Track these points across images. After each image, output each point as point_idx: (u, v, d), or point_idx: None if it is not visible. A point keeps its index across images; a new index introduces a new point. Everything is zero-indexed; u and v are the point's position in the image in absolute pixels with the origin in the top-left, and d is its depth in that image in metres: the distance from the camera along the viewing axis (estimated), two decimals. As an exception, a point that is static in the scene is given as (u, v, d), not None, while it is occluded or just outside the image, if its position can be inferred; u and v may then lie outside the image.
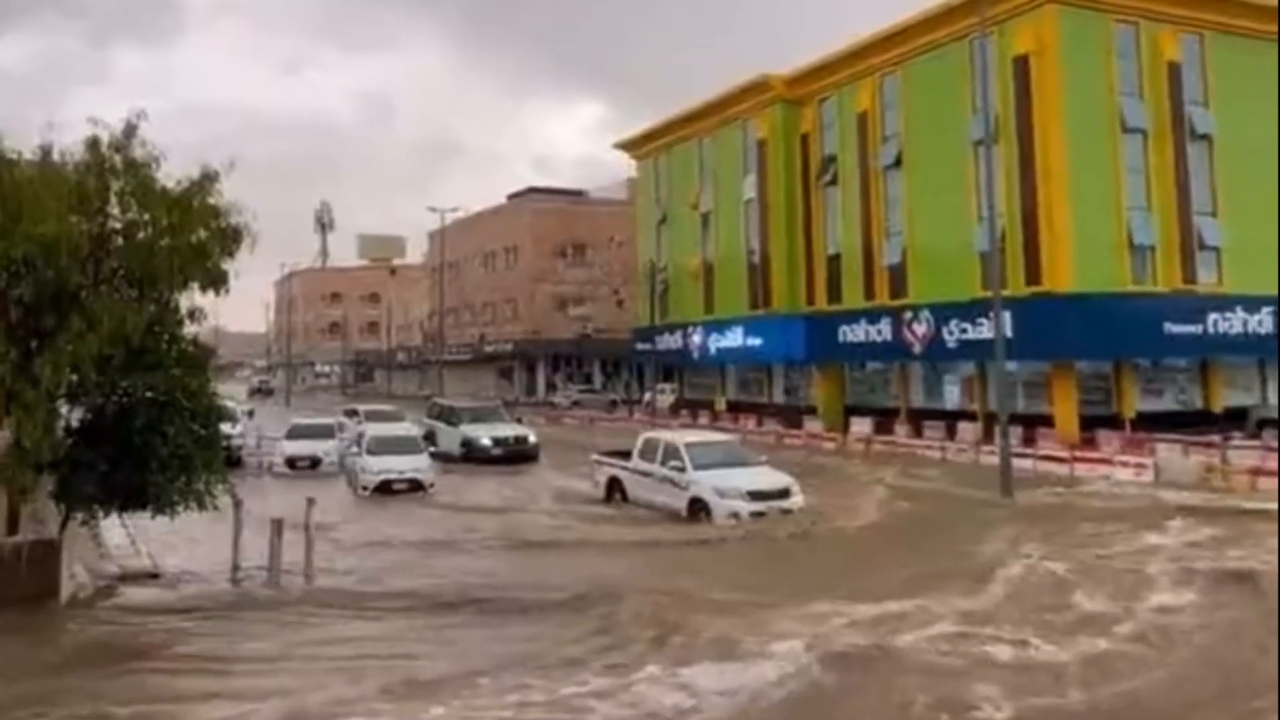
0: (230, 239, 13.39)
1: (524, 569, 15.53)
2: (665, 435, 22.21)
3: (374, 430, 27.89)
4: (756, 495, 18.86)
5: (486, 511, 21.56)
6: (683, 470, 19.68)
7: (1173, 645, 10.77)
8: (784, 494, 19.28)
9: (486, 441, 30.67)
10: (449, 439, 31.70)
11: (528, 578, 14.59)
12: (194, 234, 13.38)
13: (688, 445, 20.46)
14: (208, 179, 13.46)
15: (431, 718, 8.73)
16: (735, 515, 18.55)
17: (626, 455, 22.01)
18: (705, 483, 19.19)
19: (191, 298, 13.66)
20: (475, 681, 9.65)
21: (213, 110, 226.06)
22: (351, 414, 37.18)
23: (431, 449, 30.70)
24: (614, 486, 22.02)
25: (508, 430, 31.96)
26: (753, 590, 13.24)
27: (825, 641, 10.68)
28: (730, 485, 19.00)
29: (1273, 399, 32.90)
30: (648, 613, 11.91)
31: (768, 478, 19.88)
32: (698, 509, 19.16)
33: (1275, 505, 19.89)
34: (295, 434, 30.05)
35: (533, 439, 31.54)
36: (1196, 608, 12.23)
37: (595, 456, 23.44)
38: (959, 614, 11.87)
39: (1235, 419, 30.56)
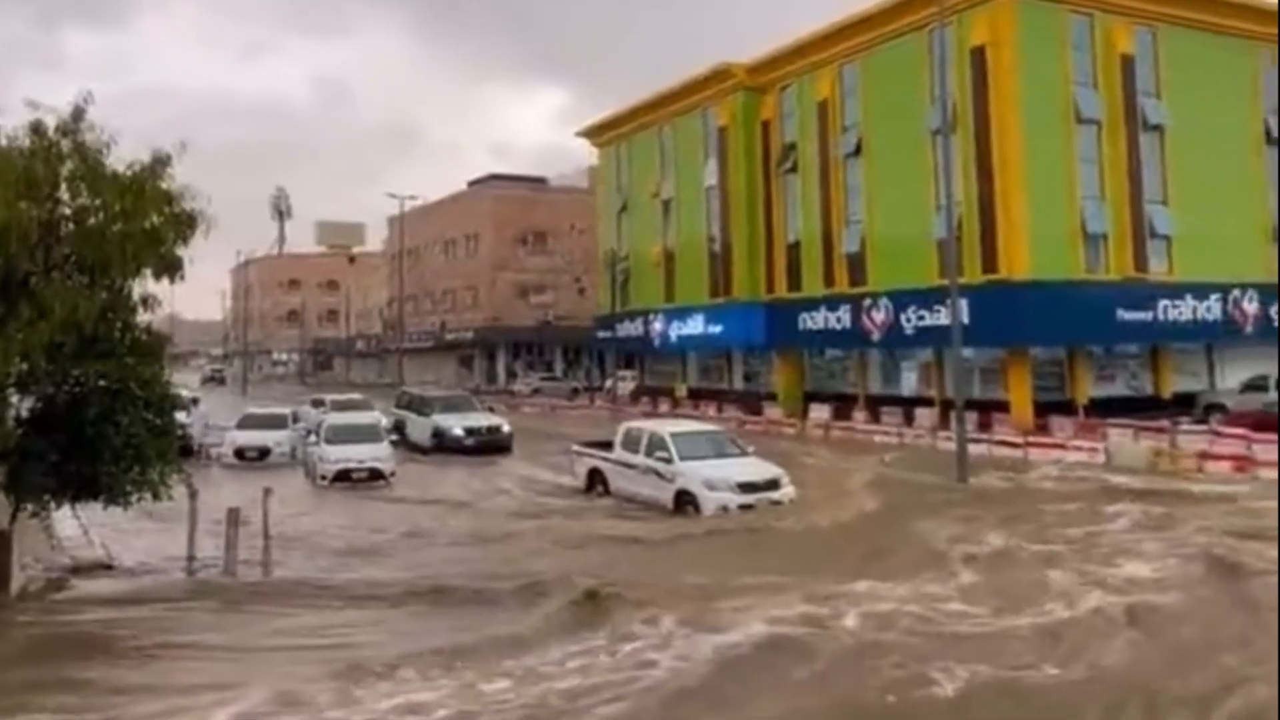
0: (184, 224, 13.15)
1: (489, 560, 15.44)
2: (649, 425, 21.44)
3: (332, 419, 27.65)
4: (746, 487, 18.33)
5: (456, 504, 21.05)
6: (669, 461, 19.06)
7: (1127, 621, 11.02)
8: (773, 485, 18.77)
9: (459, 432, 29.98)
10: (419, 429, 31.14)
11: (492, 568, 14.49)
12: (147, 220, 13.12)
13: (674, 435, 19.79)
14: (160, 163, 13.21)
15: (382, 705, 8.73)
16: (724, 508, 18.02)
17: (607, 446, 21.44)
18: (692, 474, 18.61)
19: (145, 285, 13.40)
20: (425, 666, 9.66)
21: (166, 94, 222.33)
22: (318, 403, 36.45)
23: (392, 438, 30.50)
24: (595, 478, 21.46)
25: (481, 420, 31.34)
26: (722, 574, 13.30)
27: (783, 618, 10.86)
28: (719, 477, 18.42)
29: (1220, 384, 33.60)
30: (608, 596, 11.97)
31: (756, 469, 19.30)
32: (685, 501, 18.62)
33: (1222, 488, 20.47)
34: (246, 424, 29.54)
35: (506, 429, 30.84)
36: (1150, 584, 12.52)
37: (575, 447, 22.84)
38: (912, 593, 12.08)
39: (1184, 404, 31.22)
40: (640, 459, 19.85)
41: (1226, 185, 34.21)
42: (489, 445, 29.68)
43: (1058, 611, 11.27)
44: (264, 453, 27.86)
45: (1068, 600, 11.69)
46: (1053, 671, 9.40)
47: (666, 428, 20.79)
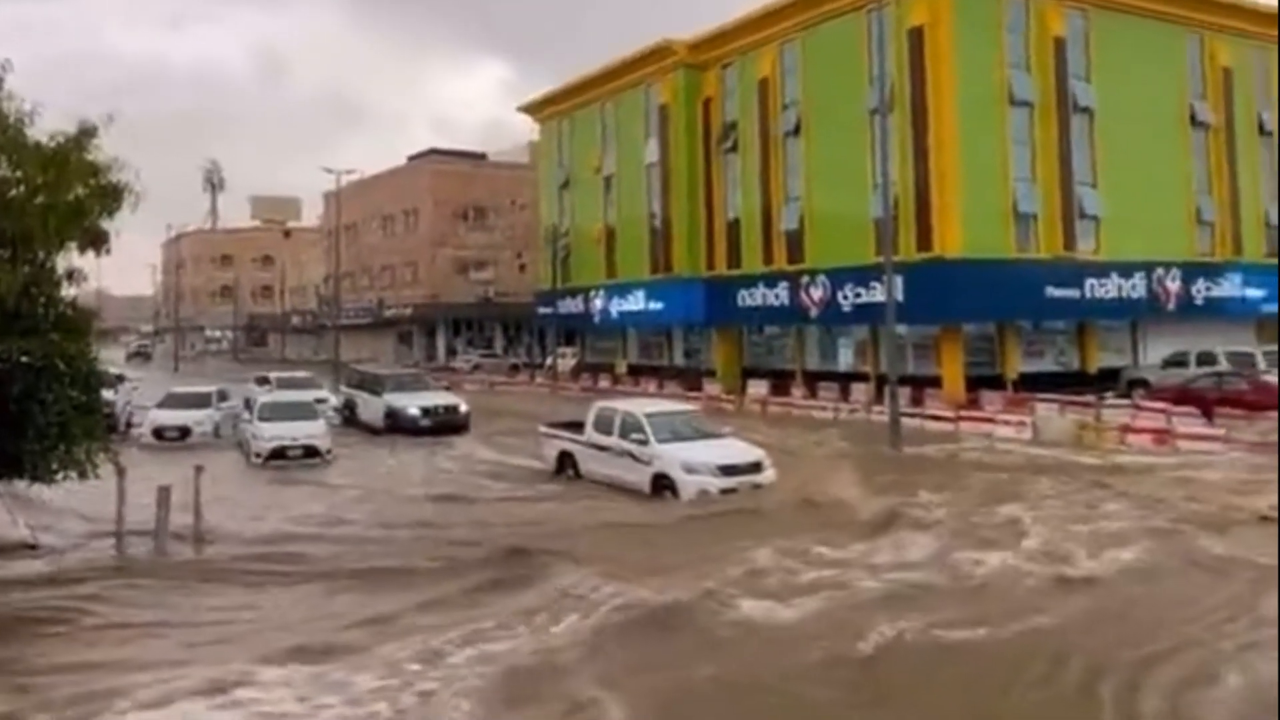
0: (110, 197, 12.87)
1: (433, 539, 15.29)
2: (622, 406, 20.27)
3: (266, 396, 27.21)
4: (728, 470, 17.47)
5: (415, 490, 20.00)
6: (645, 443, 18.15)
7: (1054, 582, 11.51)
8: (756, 468, 17.86)
9: (414, 411, 28.64)
10: (371, 409, 29.98)
11: (434, 549, 14.33)
12: (71, 192, 12.82)
13: (649, 416, 18.83)
14: (86, 134, 12.90)
15: (307, 682, 8.78)
16: (704, 492, 17.18)
17: (577, 427, 20.43)
18: (670, 457, 17.74)
19: (70, 259, 13.14)
20: (356, 643, 9.75)
21: (94, 62, 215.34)
22: (263, 381, 35.32)
23: (332, 416, 29.96)
24: (565, 461, 20.51)
25: (437, 399, 30.08)
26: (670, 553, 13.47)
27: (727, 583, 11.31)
28: (699, 460, 17.55)
29: (1143, 360, 34.66)
30: (543, 566, 12.10)
31: (738, 451, 18.42)
32: (662, 485, 17.72)
33: (1140, 459, 21.19)
34: (167, 403, 28.47)
35: (463, 408, 29.60)
36: (1073, 548, 13.02)
37: (543, 429, 21.68)
38: (853, 556, 12.41)
39: (1109, 379, 32.16)
40: (614, 441, 18.97)
41: (1152, 167, 35.19)
42: (445, 425, 28.43)
43: (989, 575, 11.66)
44: (184, 432, 26.79)
45: (996, 564, 12.08)
46: (979, 631, 9.74)
47: (641, 408, 19.75)
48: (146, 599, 11.73)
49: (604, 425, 19.48)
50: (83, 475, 12.87)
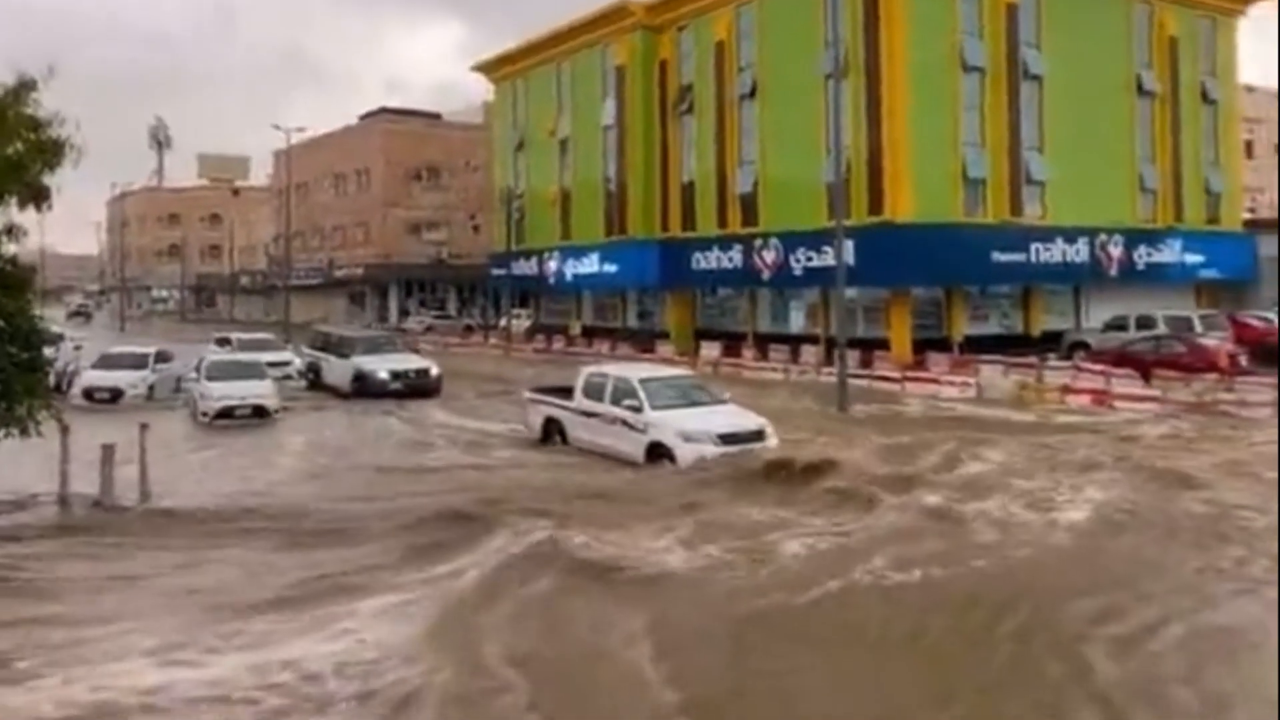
0: (51, 152, 12.68)
1: (391, 493, 15.38)
2: (613, 370, 19.42)
3: (213, 355, 26.95)
4: (729, 438, 16.48)
5: (378, 450, 19.72)
6: (639, 410, 17.18)
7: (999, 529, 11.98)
8: (758, 436, 16.88)
9: (384, 375, 27.61)
10: (338, 372, 28.86)
11: (393, 503, 14.39)
12: (10, 146, 12.65)
13: (643, 381, 17.89)
14: (25, 87, 12.68)
15: (252, 635, 8.91)
16: (703, 460, 16.24)
17: (564, 392, 19.39)
18: (666, 425, 16.78)
19: (9, 214, 12.97)
20: (297, 599, 9.89)
21: (34, 15, 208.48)
22: (223, 342, 34.11)
23: (293, 379, 29.67)
24: (551, 428, 19.40)
25: (407, 362, 29.07)
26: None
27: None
28: (697, 428, 16.57)
29: (1085, 324, 35.41)
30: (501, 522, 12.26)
31: (738, 418, 17.46)
32: (659, 454, 16.78)
33: (1081, 418, 21.83)
34: (101, 363, 27.53)
35: (435, 371, 28.70)
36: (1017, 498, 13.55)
37: (528, 394, 20.50)
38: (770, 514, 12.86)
39: (1052, 342, 32.86)
40: (605, 407, 17.95)
41: (1098, 134, 35.75)
42: (416, 389, 27.51)
43: (933, 527, 12.06)
44: (116, 394, 25.59)
45: (938, 512, 12.50)
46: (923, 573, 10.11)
47: (633, 373, 18.79)
48: (90, 554, 11.72)
49: (594, 391, 18.42)
50: (24, 433, 12.79)
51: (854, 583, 9.79)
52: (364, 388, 27.52)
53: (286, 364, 31.05)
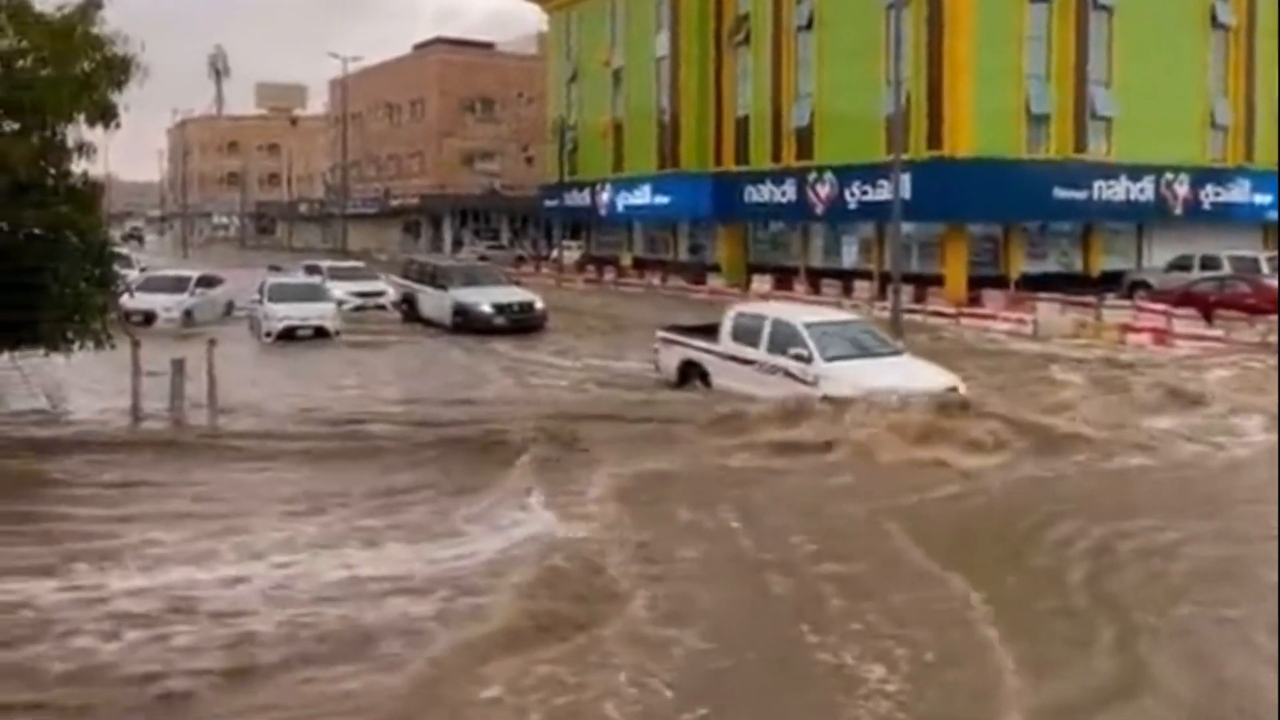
0: (118, 70, 12.96)
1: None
2: (769, 311, 17.03)
3: (275, 278, 27.48)
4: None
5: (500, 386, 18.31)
6: (807, 360, 14.81)
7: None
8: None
9: (487, 308, 25.66)
10: (436, 305, 26.95)
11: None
12: (78, 64, 12.93)
13: (809, 327, 15.46)
14: (92, 6, 12.95)
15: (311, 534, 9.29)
16: None
17: (700, 332, 17.31)
18: (843, 379, 14.23)
19: (79, 132, 13.29)
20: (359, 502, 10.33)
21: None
22: (313, 270, 32.45)
23: (379, 308, 28.90)
24: (690, 372, 16.95)
25: (510, 295, 27.10)
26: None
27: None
28: (882, 385, 13.87)
29: (1147, 264, 34.67)
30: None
31: (925, 373, 15.02)
32: None
33: (1140, 355, 21.60)
34: (143, 286, 26.92)
35: (539, 305, 26.74)
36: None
37: (661, 334, 18.11)
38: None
39: (1111, 282, 32.24)
40: (761, 354, 15.58)
41: (1168, 68, 34.48)
42: (521, 324, 25.74)
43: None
44: (149, 318, 24.81)
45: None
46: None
47: (797, 316, 16.43)
48: (165, 465, 12.15)
49: (746, 334, 16.09)
50: (98, 345, 13.25)
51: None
52: (466, 322, 25.71)
53: (379, 294, 30.08)
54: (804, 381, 14.75)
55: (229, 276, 31.44)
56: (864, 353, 15.46)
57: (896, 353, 15.98)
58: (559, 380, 19.17)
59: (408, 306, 28.45)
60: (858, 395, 13.70)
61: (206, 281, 28.66)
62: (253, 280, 29.19)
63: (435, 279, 27.95)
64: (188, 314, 26.02)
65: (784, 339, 15.40)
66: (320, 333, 24.05)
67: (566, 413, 14.79)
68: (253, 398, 15.84)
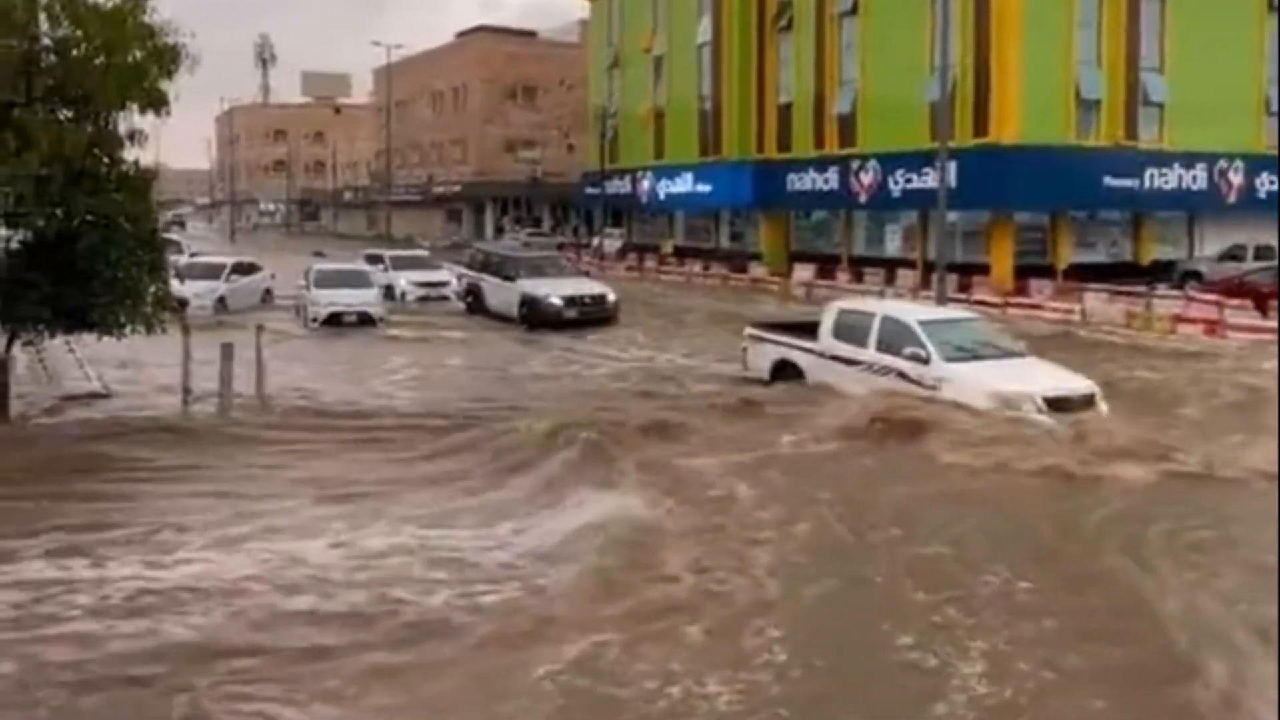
0: (168, 58, 13.16)
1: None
2: (878, 308, 15.72)
3: (320, 265, 27.77)
4: (1057, 404, 12.75)
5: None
6: (925, 361, 13.59)
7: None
8: (1089, 402, 13.09)
9: (557, 301, 24.40)
10: (503, 296, 25.71)
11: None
12: (130, 53, 13.13)
13: (924, 325, 14.27)
14: (143, -4, 13.14)
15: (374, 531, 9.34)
16: None
17: (798, 330, 15.97)
18: (968, 383, 13.15)
19: (131, 120, 13.52)
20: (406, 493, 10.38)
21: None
22: (374, 260, 31.25)
23: (442, 299, 28.08)
24: (785, 372, 15.63)
25: (581, 286, 25.76)
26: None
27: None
28: (1015, 389, 12.87)
29: (1199, 253, 34.00)
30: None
31: (1059, 378, 13.67)
32: None
33: (1190, 346, 21.24)
34: (181, 273, 25.97)
35: (611, 297, 25.22)
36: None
37: (751, 330, 16.80)
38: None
39: (1162, 271, 31.66)
40: (870, 355, 14.30)
41: (1223, 53, 33.65)
42: (593, 317, 24.42)
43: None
44: (181, 304, 23.23)
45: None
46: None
47: (909, 313, 15.20)
48: (214, 448, 12.35)
49: (851, 332, 14.80)
50: (149, 329, 13.49)
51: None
52: (535, 315, 24.43)
53: (442, 284, 29.24)
54: (921, 384, 13.55)
55: (271, 263, 31.48)
56: (985, 353, 14.28)
57: (1019, 354, 14.60)
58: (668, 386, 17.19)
59: (473, 298, 27.27)
60: (990, 401, 12.66)
61: (242, 268, 28.22)
62: (296, 267, 29.39)
63: (502, 269, 26.62)
64: (221, 301, 25.73)
65: (895, 337, 14.16)
66: (365, 319, 24.27)
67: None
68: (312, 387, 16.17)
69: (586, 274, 29.20)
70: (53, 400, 14.67)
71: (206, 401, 14.49)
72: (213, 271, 27.13)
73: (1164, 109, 33.71)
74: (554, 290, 24.84)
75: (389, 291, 27.83)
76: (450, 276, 29.60)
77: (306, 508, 9.82)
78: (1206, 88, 32.89)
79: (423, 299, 28.52)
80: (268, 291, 28.42)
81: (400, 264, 30.74)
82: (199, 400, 14.55)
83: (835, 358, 14.81)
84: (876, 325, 14.49)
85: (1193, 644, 6.70)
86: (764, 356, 16.28)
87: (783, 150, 40.24)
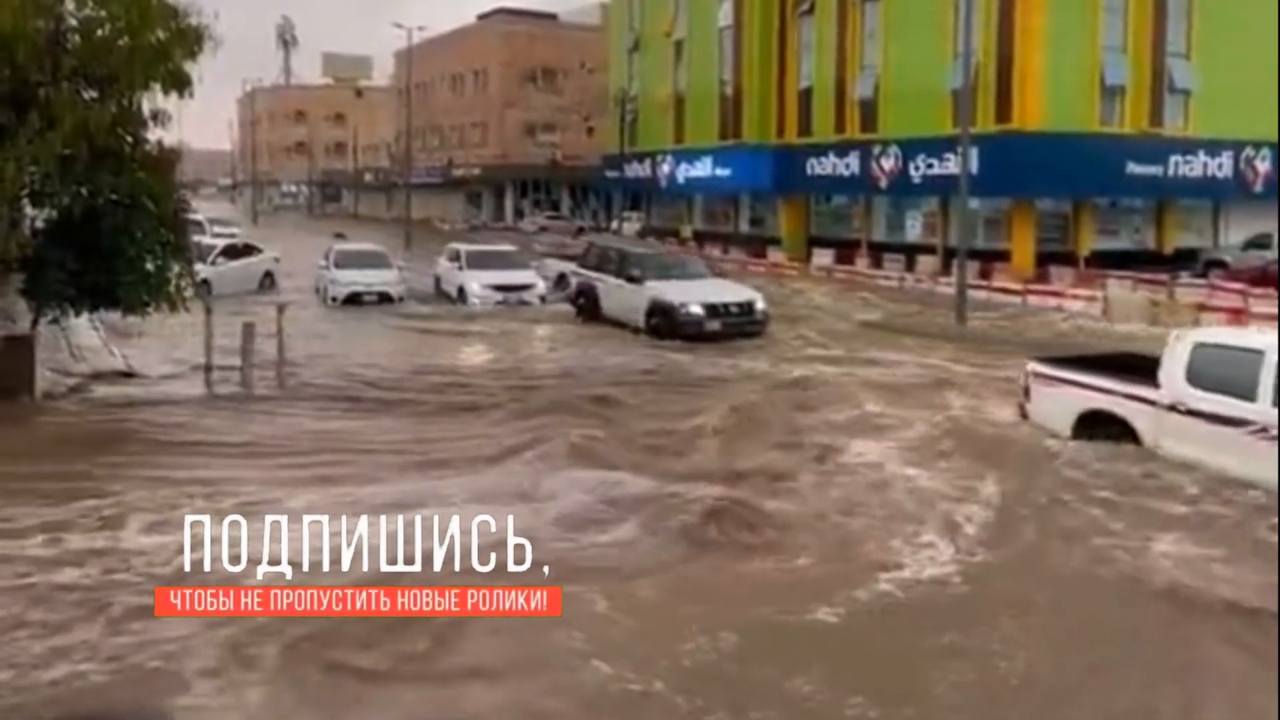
0: (191, 40, 13.26)
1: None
2: (1262, 340, 9.91)
3: (340, 245, 28.03)
4: None
5: None
6: None
7: None
8: None
9: (696, 310, 19.78)
10: (624, 301, 21.42)
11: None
12: (153, 34, 13.22)
13: None
14: (168, -25, 13.22)
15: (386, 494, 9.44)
16: None
17: (1114, 366, 11.10)
18: None
19: (154, 100, 13.62)
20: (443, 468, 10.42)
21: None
22: (454, 258, 26.82)
23: (521, 303, 24.29)
24: (1108, 430, 10.47)
25: (723, 291, 21.28)
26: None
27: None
28: None
29: (1224, 242, 33.69)
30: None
31: None
32: None
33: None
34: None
35: (760, 304, 20.73)
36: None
37: (1037, 367, 11.65)
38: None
39: (1185, 260, 31.41)
40: (1264, 411, 9.24)
41: (1250, 40, 33.20)
42: (740, 330, 19.94)
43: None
44: (204, 283, 22.56)
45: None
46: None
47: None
48: (236, 423, 12.51)
49: (1221, 376, 9.83)
50: (173, 308, 13.64)
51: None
52: (668, 326, 19.87)
53: (524, 288, 24.94)
54: None
55: (287, 246, 31.22)
56: None
57: None
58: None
59: (585, 300, 22.87)
60: None
61: (234, 251, 26.69)
62: (314, 251, 29.17)
63: (623, 269, 22.10)
64: (205, 284, 22.43)
65: None
66: (384, 298, 24.66)
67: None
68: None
69: (723, 274, 24.59)
70: (79, 378, 14.82)
71: (229, 377, 14.63)
72: (198, 254, 25.59)
73: (1189, 96, 33.35)
74: (692, 296, 20.33)
75: (461, 294, 25.01)
76: (537, 278, 25.44)
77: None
78: (1233, 74, 32.48)
79: (500, 303, 24.32)
80: (268, 275, 27.23)
81: (476, 261, 26.01)
82: (223, 380, 14.65)
83: (1194, 413, 10.01)
84: (1272, 367, 9.36)
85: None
86: (1061, 404, 11.40)
87: (803, 135, 40.07)
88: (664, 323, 20.00)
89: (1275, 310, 22.85)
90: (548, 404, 13.43)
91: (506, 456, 10.87)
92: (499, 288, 24.69)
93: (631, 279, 21.51)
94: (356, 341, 19.62)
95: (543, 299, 24.67)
